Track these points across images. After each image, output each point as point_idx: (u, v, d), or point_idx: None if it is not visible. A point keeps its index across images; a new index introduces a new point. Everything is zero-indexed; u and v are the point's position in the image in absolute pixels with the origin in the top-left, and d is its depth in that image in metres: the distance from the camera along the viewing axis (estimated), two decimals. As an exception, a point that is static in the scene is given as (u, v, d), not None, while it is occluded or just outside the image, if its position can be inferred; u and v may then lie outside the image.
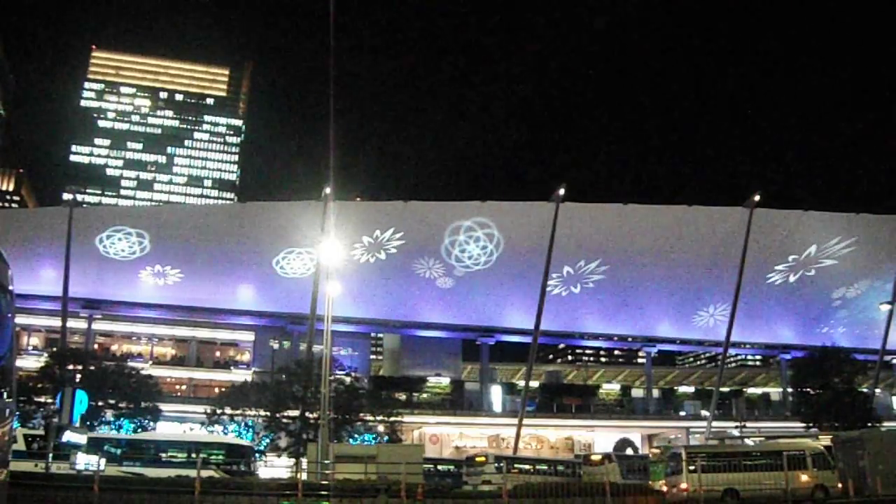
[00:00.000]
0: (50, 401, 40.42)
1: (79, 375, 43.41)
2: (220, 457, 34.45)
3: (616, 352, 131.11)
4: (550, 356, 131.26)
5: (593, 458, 46.06)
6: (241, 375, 62.68)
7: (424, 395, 66.46)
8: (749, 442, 41.44)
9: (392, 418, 45.52)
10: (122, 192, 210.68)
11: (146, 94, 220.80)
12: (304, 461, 37.70)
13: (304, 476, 29.45)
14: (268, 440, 43.92)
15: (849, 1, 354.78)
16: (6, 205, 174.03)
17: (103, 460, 28.45)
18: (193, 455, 31.74)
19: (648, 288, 62.97)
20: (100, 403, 42.38)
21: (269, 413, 43.50)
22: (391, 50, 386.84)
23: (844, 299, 66.81)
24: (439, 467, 43.83)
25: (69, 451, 28.56)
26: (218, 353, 70.15)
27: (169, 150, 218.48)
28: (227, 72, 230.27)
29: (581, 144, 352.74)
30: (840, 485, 29.48)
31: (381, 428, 46.04)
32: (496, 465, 37.66)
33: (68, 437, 29.65)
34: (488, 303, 63.58)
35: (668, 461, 32.79)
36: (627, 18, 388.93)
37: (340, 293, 39.75)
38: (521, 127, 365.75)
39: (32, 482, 22.72)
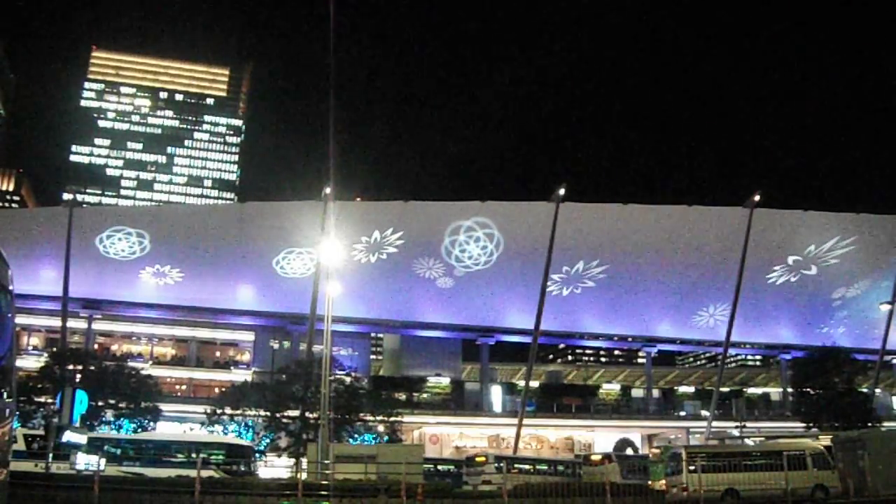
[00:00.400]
0: (50, 401, 40.42)
1: (79, 375, 43.43)
2: (220, 457, 34.44)
3: (616, 352, 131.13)
4: (550, 356, 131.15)
5: (593, 458, 46.06)
6: (241, 375, 62.65)
7: (424, 395, 66.48)
8: (749, 442, 41.47)
9: (392, 418, 45.55)
10: (122, 192, 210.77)
11: (146, 94, 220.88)
12: (304, 461, 37.71)
13: (304, 476, 29.43)
14: (268, 440, 43.92)
15: (849, 1, 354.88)
16: (6, 205, 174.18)
17: (103, 460, 28.46)
18: (193, 455, 31.73)
19: (648, 288, 62.97)
20: (100, 403, 42.38)
21: (269, 413, 43.51)
22: (391, 50, 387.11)
23: (844, 299, 66.81)
24: (439, 467, 43.79)
25: (69, 451, 28.56)
26: (218, 353, 70.12)
27: (169, 150, 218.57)
28: (227, 72, 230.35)
29: (581, 144, 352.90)
30: (840, 485, 29.47)
31: (381, 428, 46.04)
32: (496, 465, 37.62)
33: (68, 437, 29.62)
34: (488, 303, 63.58)
35: (668, 461, 32.76)
36: (628, 18, 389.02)
37: (340, 293, 39.75)
38: (521, 127, 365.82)
39: (32, 482, 22.73)
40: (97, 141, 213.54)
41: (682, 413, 68.97)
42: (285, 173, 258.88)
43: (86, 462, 28.00)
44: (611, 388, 77.15)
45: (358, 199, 64.54)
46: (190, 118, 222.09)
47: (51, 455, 28.10)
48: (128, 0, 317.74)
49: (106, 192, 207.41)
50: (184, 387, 67.29)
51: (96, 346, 61.53)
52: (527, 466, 41.13)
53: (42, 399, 41.88)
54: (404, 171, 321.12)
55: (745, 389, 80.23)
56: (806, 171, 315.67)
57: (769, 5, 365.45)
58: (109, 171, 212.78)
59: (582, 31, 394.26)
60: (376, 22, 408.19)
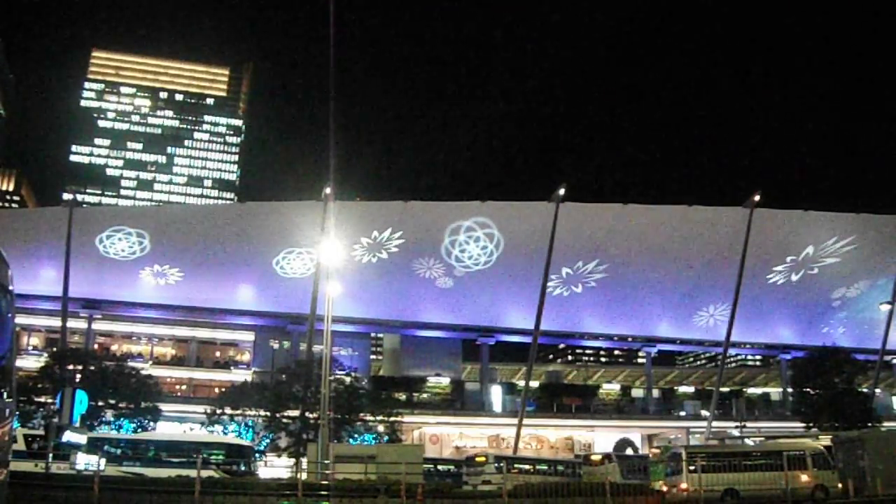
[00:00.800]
0: (50, 401, 40.41)
1: (79, 375, 43.43)
2: (220, 457, 34.42)
3: (616, 352, 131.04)
4: (550, 356, 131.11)
5: (593, 458, 46.00)
6: (241, 375, 62.67)
7: (424, 395, 66.46)
8: (749, 442, 41.49)
9: (392, 418, 45.53)
10: (122, 192, 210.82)
11: (146, 94, 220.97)
12: (304, 461, 37.70)
13: (304, 476, 29.45)
14: (268, 440, 43.94)
15: (849, 1, 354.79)
16: (6, 205, 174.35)
17: (103, 460, 28.44)
18: (193, 455, 31.72)
19: (648, 288, 62.96)
20: (100, 403, 42.38)
21: (269, 413, 43.53)
22: (391, 50, 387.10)
23: (844, 299, 66.80)
24: (439, 467, 43.72)
25: (69, 451, 28.55)
26: (218, 353, 70.11)
27: (169, 150, 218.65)
28: (227, 72, 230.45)
29: (581, 144, 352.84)
30: (840, 485, 29.49)
31: (381, 428, 46.03)
32: (496, 465, 37.61)
33: (68, 437, 29.63)
34: (488, 303, 63.56)
35: (668, 461, 32.81)
36: (628, 18, 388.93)
37: (340, 293, 39.73)
38: (521, 127, 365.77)
39: (32, 482, 22.71)
40: (97, 141, 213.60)
41: (682, 413, 68.93)
42: (285, 173, 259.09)
43: (86, 462, 27.99)
44: (611, 388, 77.14)
45: (358, 199, 64.52)
46: (190, 118, 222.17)
47: (51, 455, 28.06)
48: (128, 0, 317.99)
49: (106, 192, 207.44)
50: (184, 387, 67.28)
51: (96, 346, 61.49)
52: (527, 466, 41.08)
53: (42, 399, 41.88)
54: (404, 171, 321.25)
55: (745, 389, 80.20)
56: (806, 171, 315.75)
57: (769, 5, 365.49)
58: (109, 171, 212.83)
59: (582, 31, 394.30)
60: (376, 22, 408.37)
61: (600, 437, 66.09)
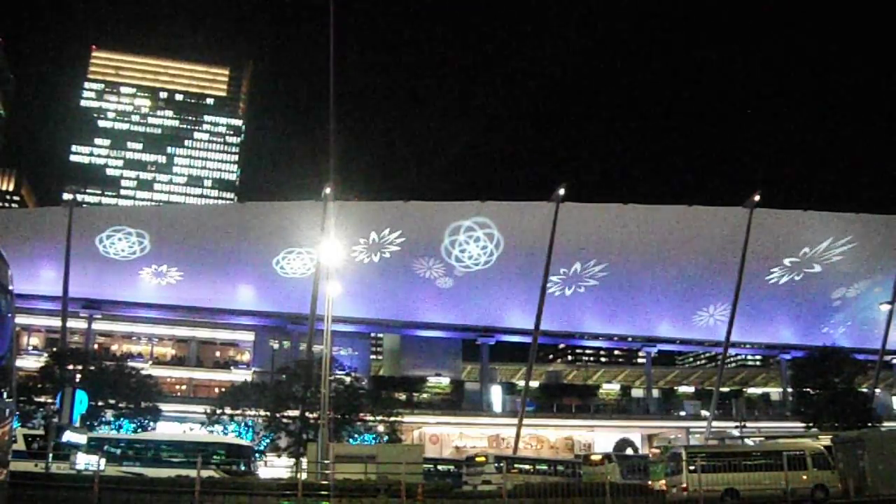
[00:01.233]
0: (50, 401, 40.41)
1: (79, 375, 43.39)
2: (220, 457, 34.43)
3: (616, 352, 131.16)
4: (550, 356, 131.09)
5: (593, 458, 46.03)
6: (241, 375, 62.65)
7: (424, 395, 66.50)
8: (749, 442, 41.45)
9: (392, 418, 45.52)
10: (122, 192, 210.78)
11: (146, 94, 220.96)
12: (304, 461, 37.69)
13: (304, 476, 29.45)
14: (268, 440, 43.91)
15: (849, 1, 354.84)
16: (6, 205, 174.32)
17: (103, 460, 28.44)
18: (193, 455, 31.71)
19: (648, 288, 62.97)
20: (100, 403, 42.38)
21: (269, 413, 43.51)
22: (391, 50, 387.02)
23: (844, 299, 66.80)
24: (439, 467, 43.74)
25: (69, 451, 28.55)
26: (218, 353, 70.13)
27: (169, 150, 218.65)
28: (227, 72, 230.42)
29: (581, 144, 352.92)
30: (840, 485, 29.48)
31: (381, 428, 46.00)
32: (496, 465, 37.61)
33: (68, 437, 29.63)
34: (488, 303, 63.57)
35: (668, 461, 32.76)
36: (628, 18, 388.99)
37: (340, 293, 39.73)
38: (521, 127, 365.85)
39: (32, 482, 22.72)
40: (97, 141, 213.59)
41: (682, 413, 68.96)
42: (285, 173, 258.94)
43: (86, 462, 27.98)
44: (611, 388, 77.17)
45: (358, 199, 64.51)
46: (190, 118, 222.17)
47: (51, 455, 28.08)
48: (128, 0, 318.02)
49: (106, 192, 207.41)
50: (184, 387, 67.30)
51: (96, 346, 61.54)
52: (527, 466, 41.10)
53: (42, 399, 41.85)
54: (404, 171, 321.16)
55: (745, 389, 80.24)
56: (806, 171, 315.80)
57: (769, 5, 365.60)
58: (109, 171, 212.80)
59: (582, 31, 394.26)
60: (376, 22, 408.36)
61: (600, 437, 66.11)
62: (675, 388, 79.53)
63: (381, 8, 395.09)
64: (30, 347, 61.58)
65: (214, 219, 61.82)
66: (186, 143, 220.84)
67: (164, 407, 47.53)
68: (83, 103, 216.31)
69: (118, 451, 34.42)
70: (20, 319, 53.34)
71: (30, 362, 50.31)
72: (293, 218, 54.87)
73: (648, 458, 48.64)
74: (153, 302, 61.11)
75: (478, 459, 39.76)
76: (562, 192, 53.30)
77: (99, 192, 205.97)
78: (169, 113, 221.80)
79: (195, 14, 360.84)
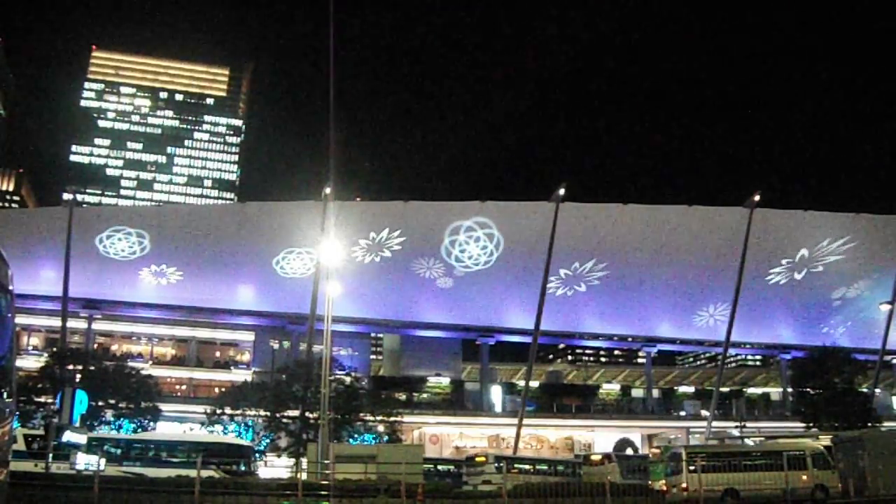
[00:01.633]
0: (50, 401, 40.43)
1: (79, 375, 43.42)
2: (220, 457, 34.41)
3: (616, 352, 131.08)
4: (550, 356, 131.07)
5: (593, 458, 46.04)
6: (241, 375, 62.65)
7: (424, 395, 66.49)
8: (749, 442, 41.49)
9: (392, 418, 45.53)
10: (122, 192, 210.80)
11: (146, 94, 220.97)
12: (304, 461, 37.69)
13: (304, 476, 29.45)
14: (268, 440, 43.91)
15: (849, 1, 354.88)
16: (6, 205, 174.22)
17: (103, 460, 28.45)
18: (193, 455, 31.72)
19: (648, 288, 62.96)
20: (100, 403, 42.39)
21: (269, 413, 43.50)
22: (391, 50, 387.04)
23: (844, 299, 66.79)
24: (439, 467, 43.76)
25: (69, 451, 28.56)
26: (218, 353, 70.09)
27: (169, 150, 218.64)
28: (227, 72, 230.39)
29: (581, 144, 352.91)
30: (840, 485, 29.48)
31: (381, 428, 46.03)
32: (496, 465, 37.63)
33: (68, 437, 29.65)
34: (488, 303, 63.57)
35: (668, 461, 32.77)
36: (628, 18, 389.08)
37: (340, 293, 39.76)
38: (522, 126, 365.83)
39: (32, 482, 22.72)
40: (97, 141, 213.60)
41: (682, 413, 68.96)
42: (285, 173, 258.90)
43: (86, 462, 28.01)
44: (611, 388, 77.17)
45: (358, 199, 64.51)
46: (190, 118, 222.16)
47: (51, 455, 28.09)
48: (128, 0, 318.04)
49: (106, 192, 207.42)
50: (184, 387, 67.27)
51: (96, 346, 61.48)
52: (527, 466, 41.11)
53: (42, 399, 41.88)
54: (404, 171, 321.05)
55: (745, 389, 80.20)
56: (806, 171, 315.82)
57: (769, 5, 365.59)
58: (109, 171, 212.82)
59: (582, 31, 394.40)
60: (376, 22, 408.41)
61: (600, 437, 66.10)
62: (675, 388, 79.51)
63: (382, 8, 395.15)
64: (30, 347, 61.53)
65: (214, 219, 61.80)
66: (186, 143, 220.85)
67: (164, 407, 47.55)
68: (83, 103, 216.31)
69: (118, 451, 34.43)
70: (20, 319, 53.33)
71: (30, 362, 50.28)
72: (293, 218, 54.87)
73: (648, 458, 48.63)
74: (153, 302, 61.10)
75: (478, 459, 39.78)
76: (562, 192, 53.31)
77: (99, 192, 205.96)
78: (169, 113, 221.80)
79: (195, 14, 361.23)
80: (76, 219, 52.88)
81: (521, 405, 58.01)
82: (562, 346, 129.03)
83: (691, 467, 28.73)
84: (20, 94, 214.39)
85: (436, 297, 62.17)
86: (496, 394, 67.21)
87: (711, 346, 76.86)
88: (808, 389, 53.65)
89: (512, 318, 64.92)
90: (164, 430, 45.95)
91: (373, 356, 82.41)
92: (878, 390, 64.93)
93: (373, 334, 78.80)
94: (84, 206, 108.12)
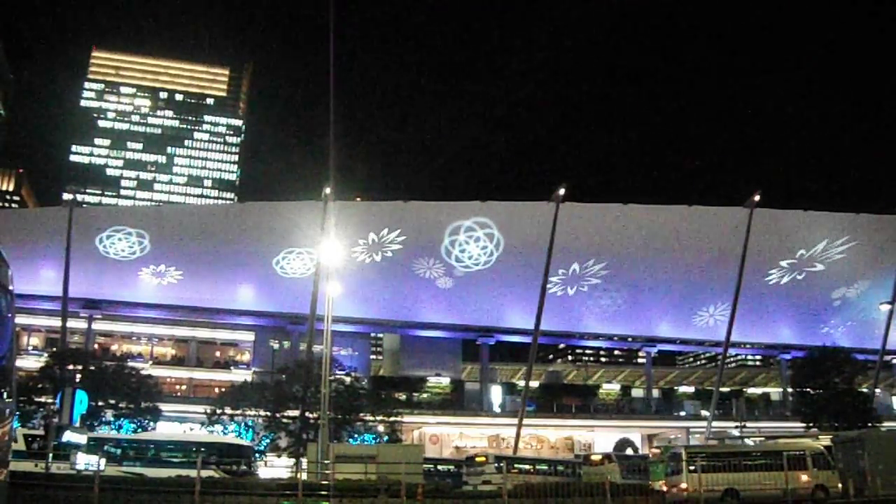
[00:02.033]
0: (50, 401, 40.45)
1: (79, 375, 43.46)
2: (221, 457, 34.43)
3: (616, 352, 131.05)
4: (550, 356, 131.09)
5: (593, 458, 46.06)
6: (241, 375, 62.64)
7: (424, 395, 66.49)
8: (749, 442, 41.45)
9: (392, 418, 45.54)
10: (122, 192, 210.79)
11: (146, 94, 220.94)
12: (304, 461, 37.70)
13: (304, 476, 29.44)
14: (268, 440, 43.93)
15: (849, 1, 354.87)
16: (6, 205, 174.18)
17: (103, 460, 28.45)
18: (193, 455, 31.73)
19: (648, 288, 62.97)
20: (100, 403, 42.42)
21: (269, 413, 43.53)
22: (391, 50, 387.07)
23: (844, 299, 66.78)
24: (439, 467, 43.81)
25: (69, 451, 28.56)
26: (218, 353, 70.12)
27: (169, 150, 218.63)
28: (227, 72, 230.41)
29: (581, 144, 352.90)
30: (840, 485, 29.47)
31: (381, 428, 46.05)
32: (496, 465, 37.62)
33: (68, 437, 29.67)
34: (488, 303, 63.57)
35: (668, 461, 32.74)
36: (628, 17, 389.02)
37: (340, 293, 39.74)
38: (521, 127, 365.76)
39: (32, 482, 22.71)
40: (97, 141, 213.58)
41: (682, 413, 68.97)
42: (285, 173, 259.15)
43: (86, 462, 28.01)
44: (611, 388, 77.15)
45: (358, 199, 64.54)
46: (190, 118, 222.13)
47: (51, 455, 28.09)
48: (128, 0, 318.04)
49: (106, 192, 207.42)
50: (184, 387, 67.29)
51: (96, 346, 61.55)
52: (527, 466, 41.14)
53: (42, 399, 41.92)
54: (404, 171, 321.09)
55: (745, 389, 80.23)
56: (806, 171, 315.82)
57: (769, 5, 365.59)
58: (109, 171, 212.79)
59: (582, 31, 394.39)
60: (376, 22, 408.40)
61: (600, 437, 66.11)
62: (675, 388, 79.52)
63: (381, 8, 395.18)
64: (30, 347, 61.57)
65: (214, 219, 61.83)
66: (186, 143, 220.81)
67: (164, 407, 47.57)
68: (83, 103, 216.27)
69: (118, 451, 34.43)
70: (20, 319, 53.31)
71: (30, 362, 50.33)
72: (293, 218, 54.86)
73: (648, 458, 48.64)
74: (153, 302, 61.11)
75: (478, 459, 39.79)
76: (562, 192, 53.34)
77: (99, 192, 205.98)
78: (169, 113, 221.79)
79: (195, 14, 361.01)
80: (76, 219, 52.92)
81: (521, 405, 58.03)
82: (562, 346, 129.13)
83: (691, 467, 28.69)
84: (20, 94, 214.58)
85: (436, 297, 62.18)
86: (496, 394, 67.22)
87: (711, 346, 76.85)
88: (808, 389, 53.67)
89: (512, 318, 64.92)
90: (164, 430, 45.96)
91: (373, 356, 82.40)
92: (878, 390, 64.95)
93: (373, 334, 78.80)
94: (84, 206, 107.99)
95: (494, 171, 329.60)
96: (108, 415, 43.97)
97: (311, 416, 41.41)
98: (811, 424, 49.83)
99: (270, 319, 64.53)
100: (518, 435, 55.62)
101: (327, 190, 51.38)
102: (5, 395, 10.47)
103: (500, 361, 79.89)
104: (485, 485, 33.65)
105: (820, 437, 38.96)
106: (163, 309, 62.30)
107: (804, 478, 28.93)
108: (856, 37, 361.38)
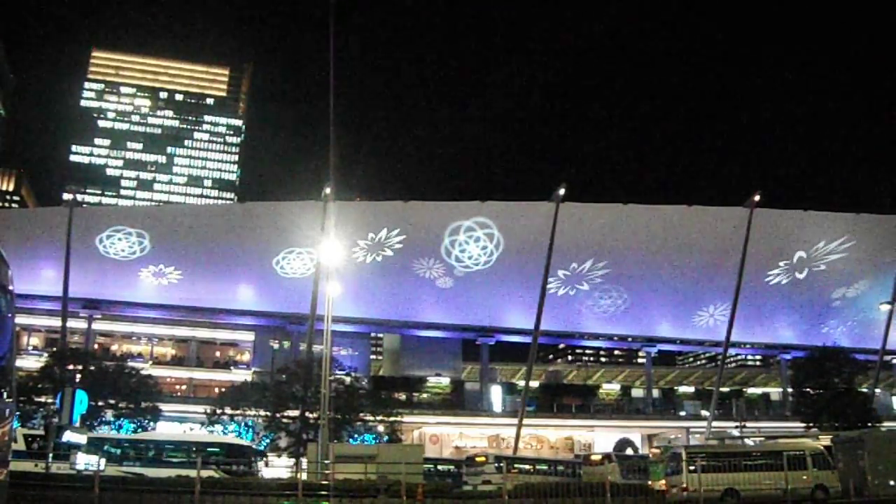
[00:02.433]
0: (50, 401, 40.44)
1: (79, 375, 43.44)
2: (220, 457, 34.43)
3: (616, 352, 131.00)
4: (550, 356, 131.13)
5: (593, 458, 46.04)
6: (241, 375, 62.66)
7: (424, 395, 66.46)
8: (749, 442, 41.44)
9: (392, 418, 45.53)
10: (122, 192, 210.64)
11: (146, 94, 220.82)
12: (304, 461, 37.70)
13: (304, 476, 29.45)
14: (268, 440, 43.91)
15: (849, 2, 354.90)
16: (6, 205, 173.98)
17: (103, 460, 28.46)
18: (193, 455, 31.73)
19: (648, 288, 62.95)
20: (100, 403, 42.41)
21: (269, 413, 43.52)
22: (391, 50, 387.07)
23: (844, 299, 66.77)
24: (439, 467, 43.77)
25: (69, 451, 28.56)
26: (218, 353, 70.11)
27: (169, 150, 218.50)
28: (227, 72, 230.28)
29: (581, 144, 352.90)
30: (840, 485, 29.47)
31: (381, 428, 46.04)
32: (496, 465, 37.62)
33: (68, 437, 29.65)
34: (488, 303, 63.54)
35: (668, 461, 32.75)
36: (628, 18, 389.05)
37: (340, 293, 39.74)
38: (522, 126, 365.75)
39: (32, 482, 22.74)
40: (97, 141, 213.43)
41: (682, 413, 68.95)
42: (285, 173, 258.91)
43: (86, 462, 28.02)
44: (611, 388, 77.15)
45: (358, 199, 64.52)
46: (190, 118, 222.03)
47: (51, 455, 28.09)
48: (128, 0, 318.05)
49: (106, 192, 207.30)
50: (184, 387, 67.28)
51: (96, 346, 61.52)
52: (527, 466, 41.14)
53: (42, 399, 41.89)
54: (404, 171, 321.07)
55: (745, 389, 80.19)
56: (806, 171, 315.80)
57: (769, 5, 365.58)
58: (109, 171, 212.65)
59: (582, 31, 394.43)
60: (376, 22, 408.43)
61: (600, 437, 66.07)
62: (675, 388, 79.50)
63: (382, 8, 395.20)
64: (30, 347, 61.56)
65: (214, 219, 61.80)
66: (186, 143, 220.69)
67: (163, 407, 47.57)
68: (83, 103, 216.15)
69: (118, 451, 34.43)
70: (20, 319, 53.29)
71: (30, 362, 50.31)
72: (293, 218, 54.84)
73: (648, 458, 48.61)
74: (153, 302, 61.08)
75: (478, 459, 39.78)
76: (562, 192, 53.34)
77: (99, 192, 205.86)
78: (169, 113, 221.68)
79: (195, 14, 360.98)
80: (76, 219, 52.90)
81: (521, 405, 58.02)
82: (562, 346, 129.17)
83: (691, 467, 28.71)
84: (20, 94, 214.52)
85: (436, 297, 62.16)
86: (496, 394, 67.19)
87: (711, 346, 76.84)
88: (808, 389, 53.63)
89: (512, 318, 64.90)
90: (164, 430, 45.95)
91: (373, 356, 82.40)
92: (878, 390, 64.94)
93: (373, 334, 78.77)
94: (84, 206, 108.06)
95: (494, 171, 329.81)
96: (108, 415, 43.97)
97: (311, 416, 41.39)
98: (811, 424, 49.81)
99: (270, 319, 64.51)
100: (518, 435, 55.61)
101: (327, 190, 51.36)
102: (5, 395, 10.45)
103: (500, 361, 79.86)
104: (485, 485, 33.67)
105: (820, 437, 38.97)
106: (163, 309, 62.28)
107: (804, 478, 28.98)
108: (856, 37, 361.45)
